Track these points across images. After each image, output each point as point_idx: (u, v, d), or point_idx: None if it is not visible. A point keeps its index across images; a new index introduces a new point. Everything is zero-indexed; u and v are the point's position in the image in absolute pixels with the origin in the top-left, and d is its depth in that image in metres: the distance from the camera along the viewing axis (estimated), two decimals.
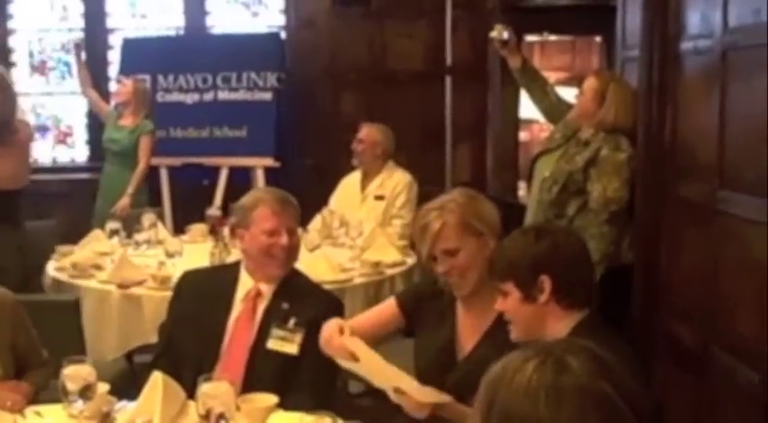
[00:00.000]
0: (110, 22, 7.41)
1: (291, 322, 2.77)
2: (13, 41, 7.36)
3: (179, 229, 5.45)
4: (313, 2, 7.16)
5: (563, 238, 2.28)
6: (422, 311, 2.68)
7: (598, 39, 7.95)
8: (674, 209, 3.70)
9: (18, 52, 7.42)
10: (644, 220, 3.90)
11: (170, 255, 4.25)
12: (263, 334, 2.80)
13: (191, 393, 2.30)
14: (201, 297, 2.92)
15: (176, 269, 4.00)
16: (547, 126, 6.03)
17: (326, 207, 5.31)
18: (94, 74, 6.67)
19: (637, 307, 3.90)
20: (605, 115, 4.15)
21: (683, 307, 3.56)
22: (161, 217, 5.47)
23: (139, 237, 4.76)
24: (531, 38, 8.20)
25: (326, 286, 3.35)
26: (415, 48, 7.17)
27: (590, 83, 4.26)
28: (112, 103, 6.48)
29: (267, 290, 2.88)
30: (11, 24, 7.34)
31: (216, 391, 2.23)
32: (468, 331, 2.58)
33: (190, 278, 3.07)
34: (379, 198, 5.34)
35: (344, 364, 2.52)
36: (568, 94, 5.14)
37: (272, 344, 2.76)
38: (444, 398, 2.33)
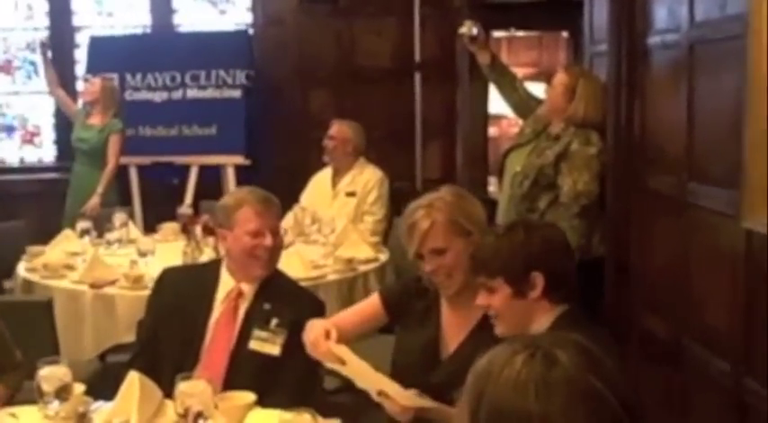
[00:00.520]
0: (76, 21, 7.34)
1: (273, 323, 2.75)
2: None
3: (150, 228, 5.42)
4: None
5: (551, 234, 2.30)
6: (406, 309, 2.67)
7: (565, 34, 8.00)
8: (644, 202, 3.74)
9: None
10: (614, 214, 3.94)
11: (142, 254, 4.23)
12: (244, 335, 2.78)
13: (170, 393, 2.29)
14: (182, 295, 2.90)
15: (149, 268, 4.00)
16: (516, 121, 6.06)
17: (298, 204, 5.30)
18: (61, 73, 6.62)
19: (609, 299, 3.93)
20: (575, 110, 4.18)
21: (655, 299, 3.60)
22: (131, 216, 5.44)
23: (111, 236, 4.73)
24: (498, 34, 8.23)
25: (300, 283, 3.35)
26: (383, 45, 7.18)
27: (560, 78, 4.29)
28: (80, 102, 6.43)
29: (248, 290, 2.86)
30: None
31: (194, 389, 2.22)
32: (453, 330, 2.58)
33: (170, 275, 3.05)
34: (351, 194, 5.34)
35: (330, 365, 2.51)
36: (536, 89, 5.17)
37: (254, 345, 2.74)
38: (426, 402, 2.33)
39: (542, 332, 2.03)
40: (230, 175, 6.46)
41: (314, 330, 2.53)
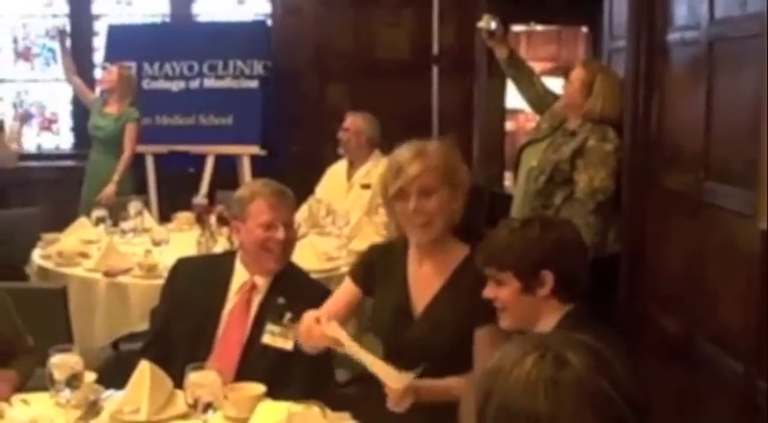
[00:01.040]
0: (95, 9, 7.37)
1: (287, 318, 2.73)
2: None
3: (164, 216, 5.43)
4: None
5: (567, 233, 2.27)
6: (371, 274, 2.67)
7: (584, 29, 7.98)
8: (660, 200, 3.72)
9: (2, 38, 7.38)
10: (630, 211, 3.91)
11: (156, 243, 4.23)
12: (257, 328, 2.77)
13: (181, 383, 2.29)
14: (196, 286, 2.90)
15: (163, 257, 4.00)
16: (533, 116, 6.04)
17: (313, 196, 5.30)
18: (79, 61, 6.64)
19: (622, 297, 3.92)
20: (592, 106, 4.16)
21: (669, 297, 3.58)
22: (146, 205, 5.45)
23: (126, 225, 4.73)
24: (517, 28, 8.21)
25: (313, 275, 3.35)
26: (401, 37, 7.16)
27: (577, 73, 4.27)
28: (98, 90, 6.45)
29: (262, 283, 2.86)
30: None
31: (204, 380, 2.22)
32: (421, 287, 2.57)
33: (185, 265, 3.05)
34: (366, 187, 5.34)
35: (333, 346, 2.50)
36: (554, 84, 5.15)
37: (267, 339, 2.73)
38: (416, 381, 2.31)
39: (550, 331, 2.02)
40: (246, 166, 6.47)
41: (303, 321, 2.52)
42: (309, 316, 2.52)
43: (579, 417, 1.17)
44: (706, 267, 3.25)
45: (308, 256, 4.05)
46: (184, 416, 2.35)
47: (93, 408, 2.41)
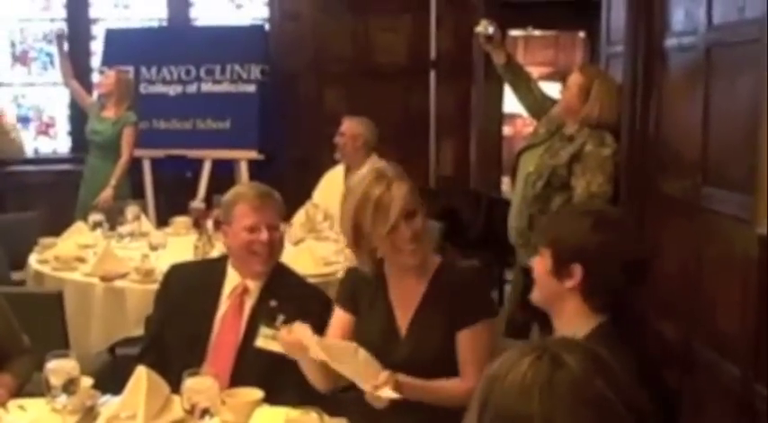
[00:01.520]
0: (92, 13, 7.37)
1: (279, 320, 2.73)
2: None
3: (162, 221, 5.42)
4: None
5: (618, 239, 2.10)
6: (358, 298, 2.66)
7: (581, 34, 8.00)
8: (657, 205, 3.72)
9: (0, 42, 7.36)
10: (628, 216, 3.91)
11: (153, 247, 4.22)
12: (250, 332, 2.76)
13: (178, 388, 2.29)
14: (189, 291, 2.90)
15: (160, 262, 3.99)
16: (530, 121, 6.04)
17: (310, 201, 5.30)
18: (77, 64, 6.63)
19: None
20: (590, 111, 4.16)
21: (667, 302, 3.58)
22: (144, 209, 5.44)
23: (123, 229, 4.73)
24: (514, 32, 8.23)
25: (310, 280, 3.34)
26: (399, 42, 7.17)
27: (575, 78, 4.27)
28: (95, 94, 6.44)
29: (254, 286, 2.86)
30: None
31: (201, 385, 2.22)
32: (402, 304, 2.58)
33: (177, 271, 3.05)
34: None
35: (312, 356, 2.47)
36: (551, 89, 5.15)
37: (260, 342, 2.72)
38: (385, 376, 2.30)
39: (559, 336, 1.98)
40: (243, 170, 6.47)
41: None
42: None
43: (574, 419, 1.16)
44: (703, 272, 3.25)
45: (306, 260, 4.05)
46: (181, 421, 2.34)
47: (89, 413, 2.40)
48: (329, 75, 7.16)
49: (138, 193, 6.16)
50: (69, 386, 2.28)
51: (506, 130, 7.77)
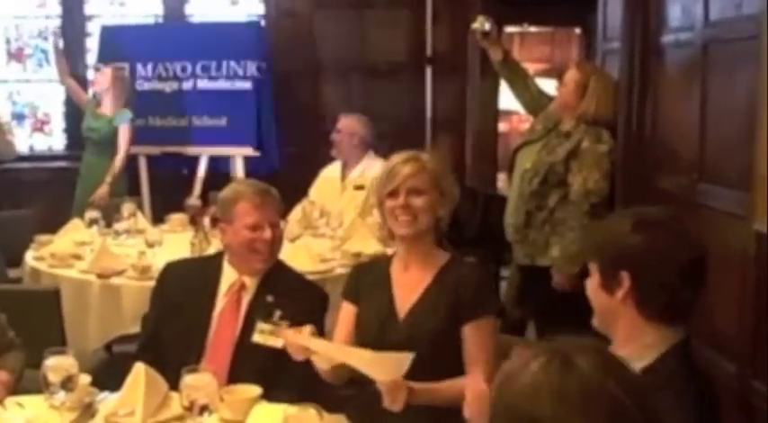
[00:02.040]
0: (88, 9, 7.33)
1: (276, 316, 2.74)
2: None
3: (158, 218, 5.42)
4: None
5: (663, 238, 1.94)
6: (360, 288, 2.74)
7: (577, 30, 8.00)
8: (653, 201, 3.72)
9: None
10: None
11: (150, 244, 4.22)
12: (247, 327, 2.77)
13: (176, 385, 2.29)
14: (185, 289, 2.90)
15: (156, 259, 3.99)
16: (526, 117, 6.05)
17: (307, 198, 5.30)
18: (73, 61, 6.62)
19: None
20: (587, 107, 4.16)
21: None
22: (140, 206, 5.44)
23: (119, 226, 4.73)
24: (510, 29, 8.23)
25: (308, 276, 3.34)
26: (395, 38, 7.16)
27: (572, 74, 4.27)
28: (91, 91, 6.43)
29: (251, 283, 2.87)
30: None
31: (199, 382, 2.22)
32: (406, 292, 2.65)
33: (173, 269, 3.05)
34: (360, 188, 5.33)
35: (316, 359, 2.50)
36: (547, 85, 5.16)
37: (257, 337, 2.73)
38: (403, 363, 2.30)
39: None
40: (240, 167, 6.46)
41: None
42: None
43: (586, 420, 1.16)
44: None
45: (302, 257, 4.04)
46: (180, 418, 2.35)
47: (87, 410, 2.40)
48: (325, 71, 7.15)
49: (134, 191, 6.16)
50: (68, 383, 2.28)
51: (502, 126, 7.76)
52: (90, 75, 6.97)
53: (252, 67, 6.60)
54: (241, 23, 7.21)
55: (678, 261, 1.92)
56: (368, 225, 4.84)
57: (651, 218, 2.00)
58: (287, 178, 5.03)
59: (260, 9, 7.37)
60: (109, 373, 2.72)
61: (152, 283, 3.30)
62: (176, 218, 5.08)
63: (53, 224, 4.89)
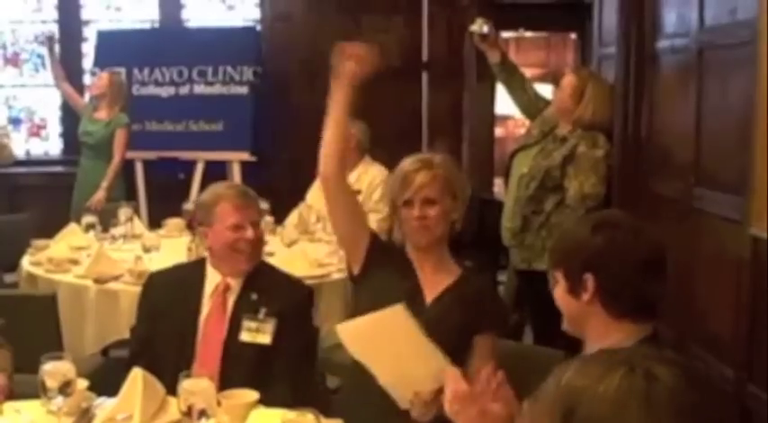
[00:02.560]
0: (84, 14, 7.35)
1: (262, 312, 2.77)
2: None
3: (154, 223, 5.41)
4: None
5: (621, 237, 1.98)
6: (388, 251, 2.73)
7: (573, 35, 8.01)
8: (649, 205, 3.74)
9: None
10: None
11: (147, 249, 4.22)
12: (234, 327, 2.80)
13: (170, 391, 2.29)
14: (171, 296, 2.91)
15: (153, 264, 3.99)
16: (522, 122, 6.07)
17: (303, 202, 5.30)
18: (69, 66, 6.63)
19: None
20: (583, 112, 4.17)
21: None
22: (137, 211, 5.44)
23: (116, 231, 4.72)
24: (506, 34, 8.24)
25: (305, 281, 3.35)
26: (391, 43, 7.15)
27: (568, 79, 4.28)
28: (87, 95, 6.43)
29: (235, 283, 2.88)
30: None
31: (197, 387, 2.22)
32: (430, 286, 2.66)
33: (157, 279, 3.07)
34: (356, 193, 5.32)
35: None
36: (543, 90, 5.16)
37: (245, 336, 2.76)
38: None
39: (638, 349, 1.74)
40: (236, 172, 6.47)
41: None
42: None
43: None
44: (696, 273, 3.26)
45: (299, 262, 4.05)
46: None
47: (85, 415, 2.40)
48: (321, 76, 7.12)
49: (130, 195, 6.15)
50: (65, 388, 2.27)
51: (498, 131, 7.78)
52: (86, 79, 6.97)
53: (248, 72, 6.62)
54: (237, 28, 7.23)
55: (638, 258, 1.96)
56: None
57: (609, 219, 2.05)
58: (283, 183, 5.04)
59: (256, 14, 7.39)
60: (106, 378, 2.72)
61: None
62: (173, 222, 5.08)
63: (50, 229, 4.88)
